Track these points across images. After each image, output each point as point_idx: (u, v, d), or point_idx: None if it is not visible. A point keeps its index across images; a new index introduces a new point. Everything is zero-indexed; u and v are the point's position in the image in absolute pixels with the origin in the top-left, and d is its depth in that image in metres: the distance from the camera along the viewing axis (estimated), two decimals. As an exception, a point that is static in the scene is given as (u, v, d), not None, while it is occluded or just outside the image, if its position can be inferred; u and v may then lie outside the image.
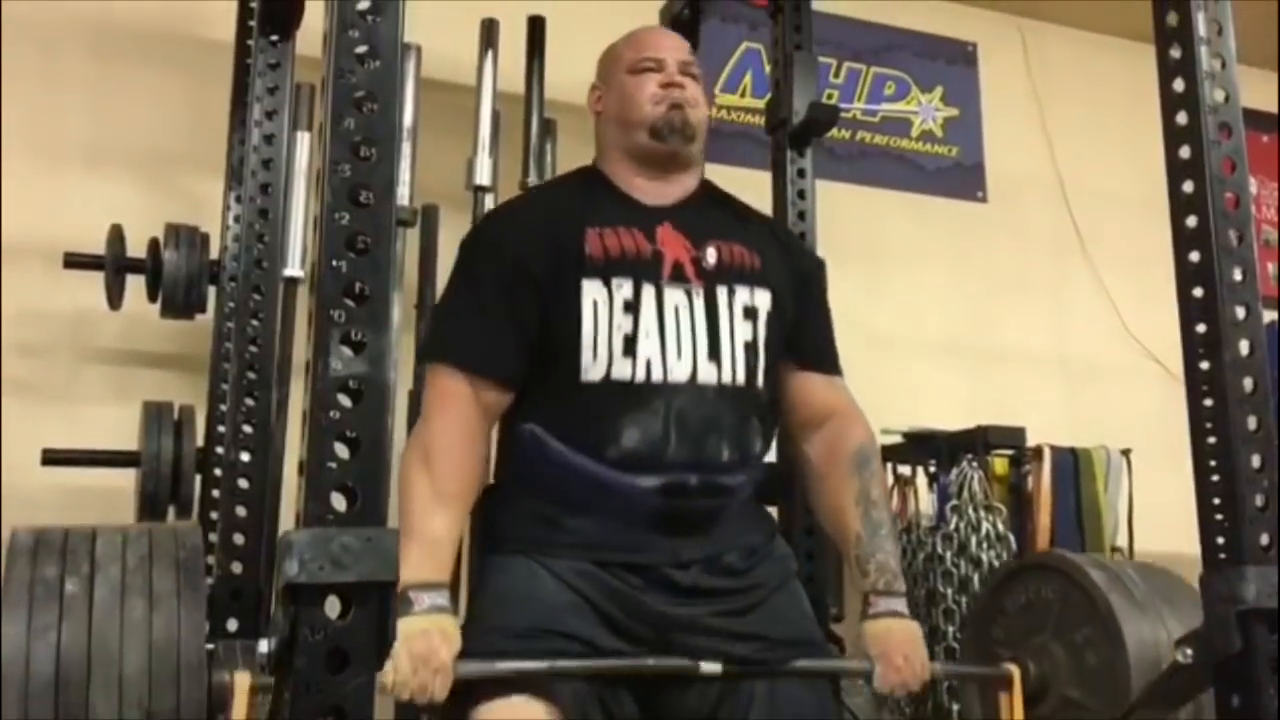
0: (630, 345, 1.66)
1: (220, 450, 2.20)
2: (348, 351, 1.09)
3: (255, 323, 2.14)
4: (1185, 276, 1.58)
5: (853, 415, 1.81)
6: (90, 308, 2.60)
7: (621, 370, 1.65)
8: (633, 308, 1.67)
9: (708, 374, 1.68)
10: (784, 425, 1.85)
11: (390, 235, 1.18)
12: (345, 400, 1.09)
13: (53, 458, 2.43)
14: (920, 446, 2.90)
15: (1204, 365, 1.55)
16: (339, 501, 1.07)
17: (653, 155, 1.78)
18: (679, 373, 1.66)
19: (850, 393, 1.86)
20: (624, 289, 1.67)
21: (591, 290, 1.66)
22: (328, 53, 1.17)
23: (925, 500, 2.90)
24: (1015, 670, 1.74)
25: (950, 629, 2.66)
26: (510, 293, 1.67)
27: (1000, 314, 3.69)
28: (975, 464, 2.77)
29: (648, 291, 1.68)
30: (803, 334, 1.82)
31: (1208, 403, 1.54)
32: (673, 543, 1.65)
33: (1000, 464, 2.88)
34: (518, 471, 1.73)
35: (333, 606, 1.05)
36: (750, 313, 1.73)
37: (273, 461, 2.18)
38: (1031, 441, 2.90)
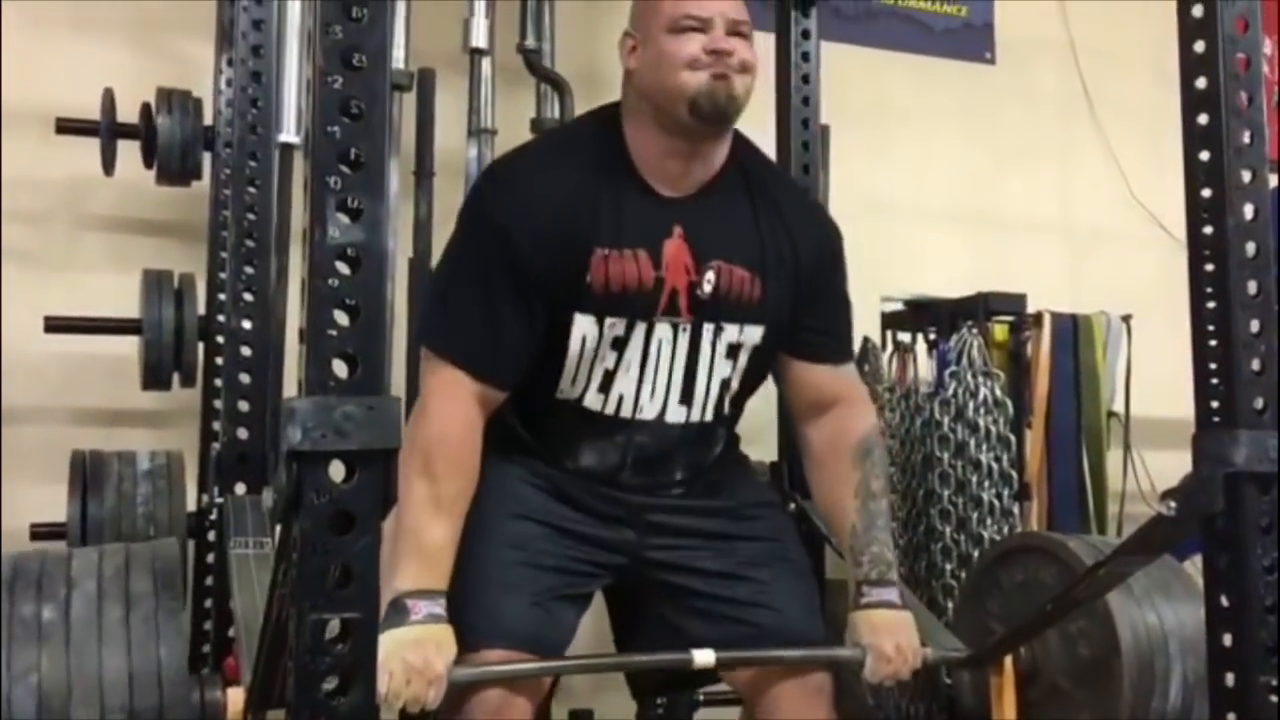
0: (608, 380, 1.66)
1: (222, 318, 2.21)
2: (344, 219, 1.08)
3: (252, 190, 2.12)
4: (1193, 139, 1.56)
5: (857, 403, 1.78)
6: (86, 174, 2.58)
7: (593, 401, 1.67)
8: (620, 344, 1.65)
9: (676, 415, 1.70)
10: (788, 406, 1.86)
11: (385, 99, 1.16)
12: (343, 268, 1.08)
13: (55, 324, 2.44)
14: (921, 313, 2.91)
15: (1207, 230, 1.53)
16: (340, 369, 1.07)
17: (687, 132, 1.63)
18: (648, 412, 1.68)
19: (857, 378, 1.84)
20: (617, 327, 1.64)
21: (583, 325, 1.62)
22: (315, -93, 1.13)
23: (925, 367, 2.92)
24: (1008, 655, 1.79)
25: (946, 491, 2.71)
26: (518, 293, 1.59)
27: (1006, 179, 3.65)
28: (975, 330, 2.78)
29: (639, 329, 1.65)
30: (810, 328, 1.75)
31: (1209, 267, 1.53)
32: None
33: (1000, 330, 2.88)
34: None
35: (336, 471, 1.07)
36: (734, 350, 1.70)
37: (274, 328, 2.20)
38: (1033, 308, 2.90)
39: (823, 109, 2.46)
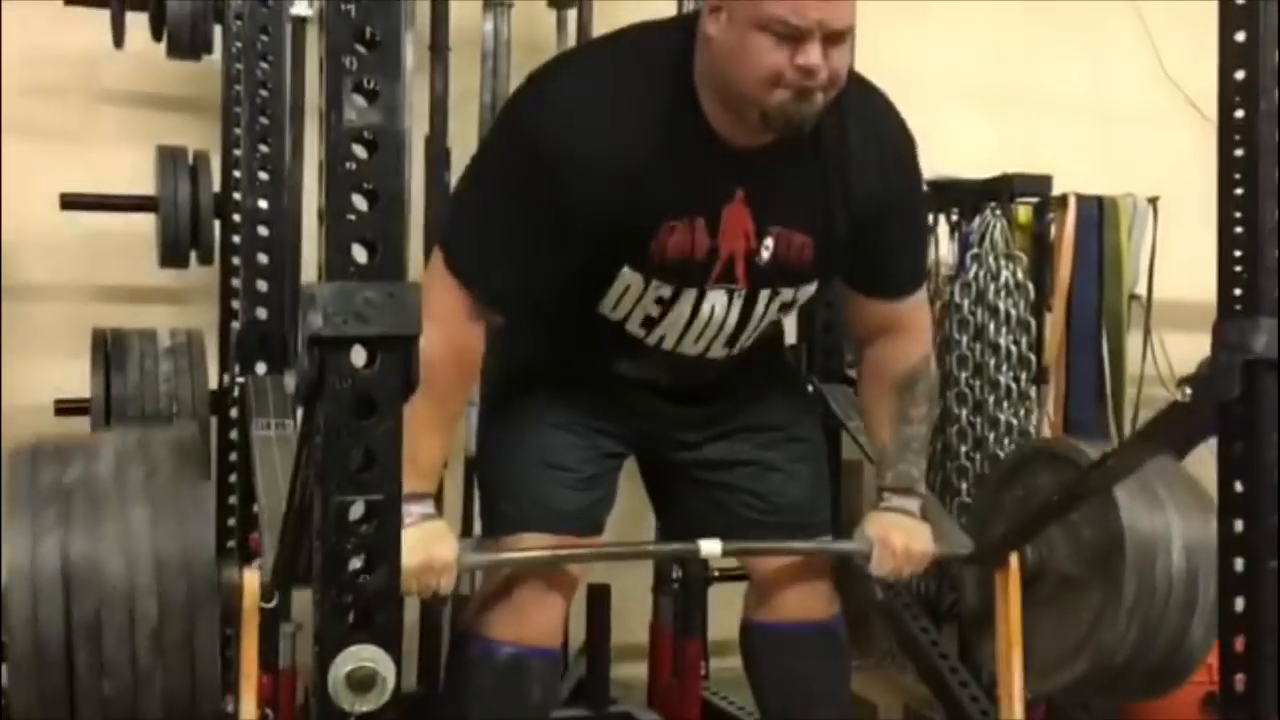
0: (650, 324, 1.67)
1: (238, 196, 2.19)
2: (361, 101, 1.07)
3: (264, 65, 2.09)
4: (1228, 19, 1.52)
5: (910, 335, 1.76)
6: (97, 47, 2.53)
7: (635, 329, 1.68)
8: (665, 303, 1.65)
9: (718, 353, 1.72)
10: (847, 330, 1.92)
11: (400, -26, 1.13)
12: (361, 151, 1.07)
13: (71, 201, 2.43)
14: (944, 194, 2.86)
15: (1239, 114, 1.50)
16: (360, 254, 1.07)
17: (754, 129, 1.54)
18: (690, 350, 1.71)
19: (918, 308, 1.78)
20: (662, 290, 1.64)
21: (629, 277, 1.62)
22: None
23: (946, 249, 2.89)
24: (1013, 554, 1.81)
25: (963, 374, 2.71)
26: (559, 242, 1.58)
27: (1035, 55, 3.55)
28: (998, 212, 2.74)
29: (687, 294, 1.64)
30: (867, 264, 1.72)
31: (1238, 153, 1.51)
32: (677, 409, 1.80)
33: (1024, 212, 2.84)
34: (512, 350, 1.79)
35: (357, 356, 1.07)
36: (787, 306, 1.72)
37: (291, 204, 2.19)
38: (1060, 188, 2.85)
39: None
